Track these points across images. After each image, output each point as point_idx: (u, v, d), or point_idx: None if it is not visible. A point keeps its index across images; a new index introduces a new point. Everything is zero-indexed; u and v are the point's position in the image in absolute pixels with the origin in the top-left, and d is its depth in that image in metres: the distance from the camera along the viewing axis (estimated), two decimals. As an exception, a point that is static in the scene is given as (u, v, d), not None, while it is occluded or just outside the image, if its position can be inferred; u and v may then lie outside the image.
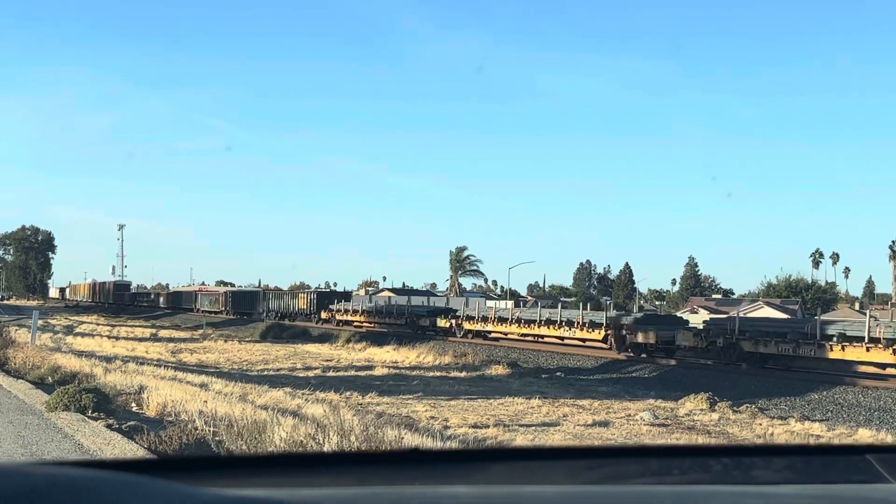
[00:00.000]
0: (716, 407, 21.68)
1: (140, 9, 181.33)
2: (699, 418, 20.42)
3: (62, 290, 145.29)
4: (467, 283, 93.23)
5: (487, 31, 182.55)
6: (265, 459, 2.13)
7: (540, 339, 39.43)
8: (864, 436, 18.37)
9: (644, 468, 2.05)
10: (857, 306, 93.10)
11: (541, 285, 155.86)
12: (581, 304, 43.80)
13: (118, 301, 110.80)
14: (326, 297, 63.53)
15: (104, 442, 10.12)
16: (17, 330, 35.08)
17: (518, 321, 40.76)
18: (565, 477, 2.00)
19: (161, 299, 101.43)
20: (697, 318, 41.95)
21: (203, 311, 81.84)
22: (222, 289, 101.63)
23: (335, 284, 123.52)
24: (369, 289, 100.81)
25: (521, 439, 16.29)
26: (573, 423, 19.00)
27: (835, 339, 25.46)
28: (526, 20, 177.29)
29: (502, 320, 41.78)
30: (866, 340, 24.44)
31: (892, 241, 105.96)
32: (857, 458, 2.29)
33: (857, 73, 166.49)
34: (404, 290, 59.82)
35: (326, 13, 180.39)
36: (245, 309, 74.49)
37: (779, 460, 2.26)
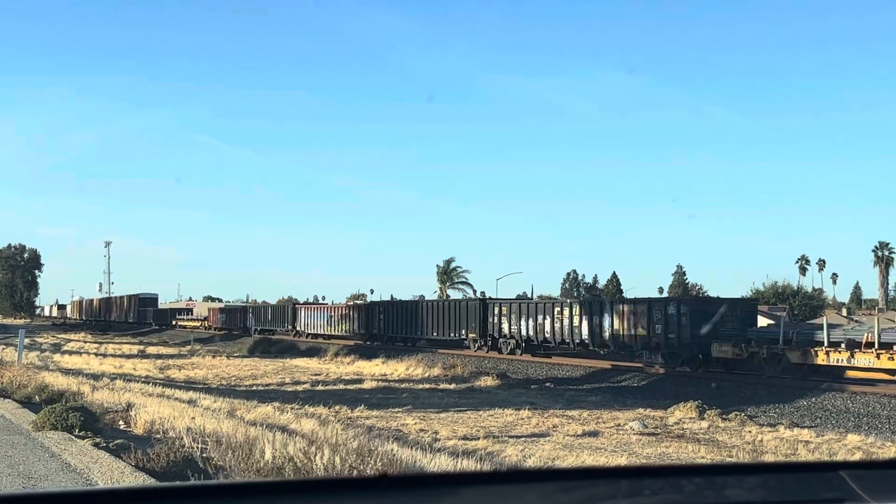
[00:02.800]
0: (705, 415, 21.73)
1: (126, 28, 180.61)
2: (688, 427, 20.46)
3: (61, 308, 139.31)
4: (455, 295, 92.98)
5: (474, 45, 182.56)
6: (228, 488, 2.13)
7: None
8: (853, 441, 18.44)
9: (616, 489, 2.06)
10: (844, 312, 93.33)
11: (529, 296, 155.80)
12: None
13: (159, 320, 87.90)
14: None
15: (91, 461, 10.07)
16: (3, 349, 34.88)
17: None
18: (537, 500, 2.01)
19: (253, 316, 67.90)
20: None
21: (308, 335, 57.28)
22: (348, 302, 75.54)
23: (323, 298, 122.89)
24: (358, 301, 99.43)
25: (511, 450, 16.28)
26: (563, 433, 19.03)
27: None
28: (514, 35, 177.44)
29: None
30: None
31: (875, 247, 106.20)
32: (830, 474, 2.29)
33: (853, 79, 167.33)
34: (393, 302, 58.93)
35: (309, 30, 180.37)
36: (393, 332, 48.04)
37: (751, 478, 2.27)
